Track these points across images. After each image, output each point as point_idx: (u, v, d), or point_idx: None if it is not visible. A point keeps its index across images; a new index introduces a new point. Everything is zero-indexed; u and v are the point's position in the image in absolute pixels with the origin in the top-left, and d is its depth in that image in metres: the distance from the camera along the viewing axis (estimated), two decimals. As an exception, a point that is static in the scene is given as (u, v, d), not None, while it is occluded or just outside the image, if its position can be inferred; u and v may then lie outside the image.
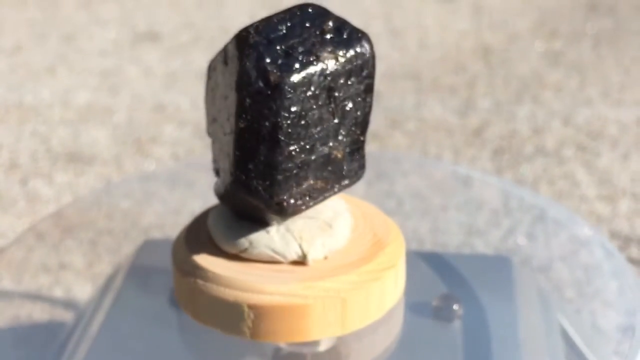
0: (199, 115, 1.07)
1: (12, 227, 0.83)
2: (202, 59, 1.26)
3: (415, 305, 0.46)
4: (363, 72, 0.40)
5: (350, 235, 0.43)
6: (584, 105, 1.08)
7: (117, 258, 0.70)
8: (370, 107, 0.41)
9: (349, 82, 0.40)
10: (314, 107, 0.39)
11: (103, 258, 0.73)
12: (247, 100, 0.38)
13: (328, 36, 0.39)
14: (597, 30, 1.33)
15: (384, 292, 0.41)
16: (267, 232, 0.41)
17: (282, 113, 0.38)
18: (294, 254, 0.41)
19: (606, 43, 1.28)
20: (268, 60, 0.38)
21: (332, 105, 0.40)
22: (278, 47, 0.39)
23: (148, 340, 0.45)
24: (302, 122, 0.39)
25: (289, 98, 0.38)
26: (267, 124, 0.39)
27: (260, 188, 0.39)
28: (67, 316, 0.69)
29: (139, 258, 0.52)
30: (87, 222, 0.74)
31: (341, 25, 0.40)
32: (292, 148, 0.39)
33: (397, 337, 0.45)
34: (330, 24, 0.40)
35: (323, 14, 0.40)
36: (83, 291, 0.71)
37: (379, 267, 0.41)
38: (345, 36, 0.40)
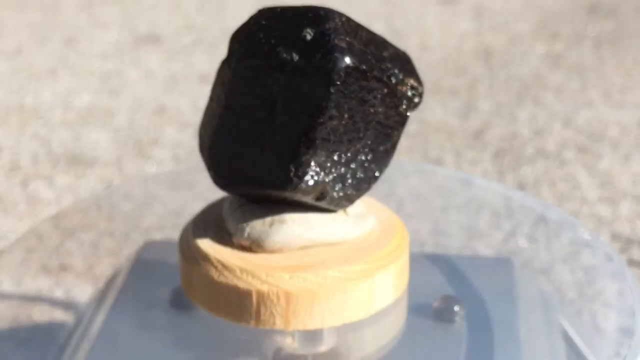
0: (200, 117, 1.07)
1: (13, 229, 0.83)
2: (202, 61, 1.26)
3: (416, 306, 0.46)
4: (314, 88, 0.37)
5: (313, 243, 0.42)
6: (585, 107, 1.08)
7: (118, 260, 0.70)
8: (312, 127, 0.38)
9: (296, 93, 0.38)
10: (255, 102, 0.39)
11: (103, 260, 0.73)
12: (215, 78, 0.41)
13: (301, 41, 0.38)
14: (597, 32, 1.33)
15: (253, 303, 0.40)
16: (239, 206, 0.42)
17: (226, 97, 0.40)
18: (232, 230, 0.42)
19: (607, 45, 1.28)
20: (237, 45, 0.39)
21: (270, 109, 0.39)
22: (257, 36, 0.39)
23: (148, 342, 0.45)
24: (241, 112, 0.39)
25: (235, 86, 0.39)
26: (215, 103, 0.41)
27: (207, 157, 0.41)
28: (67, 318, 0.68)
29: (140, 260, 0.52)
30: (87, 224, 0.74)
31: (327, 36, 0.37)
32: (224, 130, 0.40)
33: (398, 338, 0.45)
34: (313, 29, 0.38)
35: (321, 19, 0.38)
36: (83, 293, 0.71)
37: (272, 281, 0.40)
38: (315, 46, 0.37)
